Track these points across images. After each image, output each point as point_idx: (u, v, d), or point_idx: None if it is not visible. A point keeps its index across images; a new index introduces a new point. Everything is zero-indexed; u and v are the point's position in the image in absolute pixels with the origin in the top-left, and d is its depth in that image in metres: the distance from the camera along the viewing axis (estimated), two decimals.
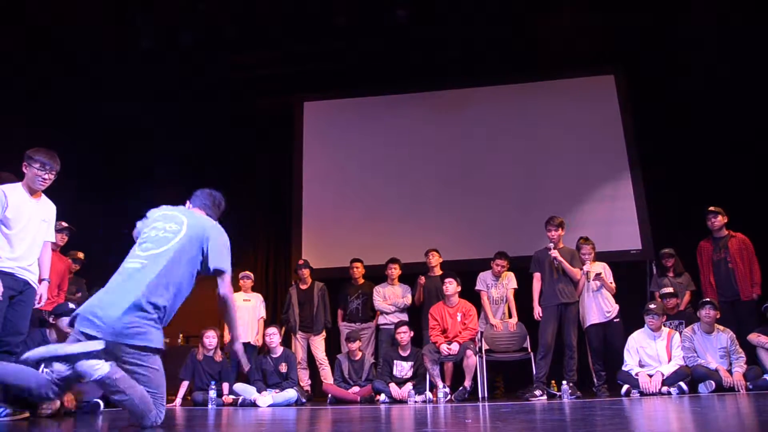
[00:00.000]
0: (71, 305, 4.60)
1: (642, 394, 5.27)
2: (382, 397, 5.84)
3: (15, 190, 3.88)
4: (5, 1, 6.73)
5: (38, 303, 4.05)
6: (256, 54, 8.46)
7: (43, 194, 4.04)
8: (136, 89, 8.75)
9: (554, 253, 5.75)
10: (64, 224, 5.61)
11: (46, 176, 3.87)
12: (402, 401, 5.71)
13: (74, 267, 6.39)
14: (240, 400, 5.83)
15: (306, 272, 7.05)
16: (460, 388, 5.73)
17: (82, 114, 8.57)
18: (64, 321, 4.46)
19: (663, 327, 5.62)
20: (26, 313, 3.89)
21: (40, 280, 4.08)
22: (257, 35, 7.97)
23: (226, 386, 6.03)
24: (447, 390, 5.64)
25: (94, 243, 7.07)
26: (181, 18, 7.56)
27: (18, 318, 3.81)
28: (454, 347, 5.86)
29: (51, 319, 4.55)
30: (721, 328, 5.56)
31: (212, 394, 5.67)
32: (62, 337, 4.48)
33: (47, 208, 4.09)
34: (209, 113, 9.13)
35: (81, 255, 6.48)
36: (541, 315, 5.82)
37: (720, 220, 6.06)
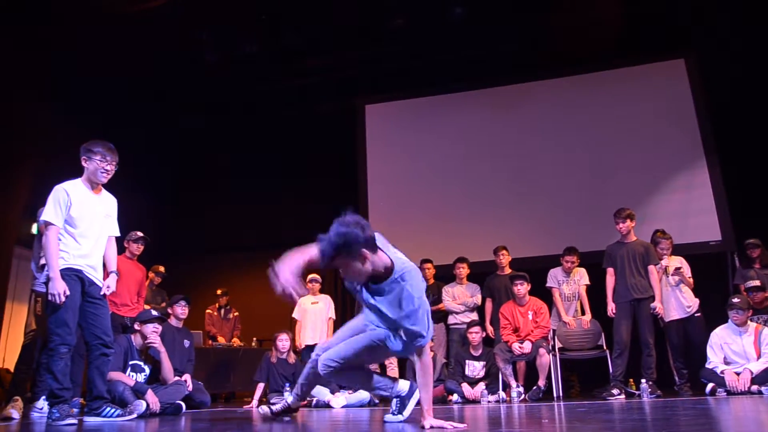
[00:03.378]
0: (154, 312, 4.82)
1: (729, 393, 5.01)
2: (455, 397, 5.81)
3: (76, 187, 3.74)
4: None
5: (107, 290, 3.81)
6: (316, 59, 8.61)
7: (103, 188, 3.89)
8: (202, 100, 9.11)
9: (658, 308, 5.55)
10: (140, 234, 5.78)
11: (108, 167, 3.75)
12: (475, 401, 5.66)
13: (156, 279, 6.73)
14: (314, 402, 5.92)
15: None
16: (534, 387, 5.63)
17: (158, 127, 8.99)
18: (149, 327, 4.68)
19: (749, 322, 5.33)
20: (103, 313, 3.76)
21: (108, 273, 3.89)
22: (316, 40, 8.10)
23: None
24: (521, 389, 5.55)
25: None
26: (243, 29, 7.80)
27: (98, 320, 3.71)
28: (527, 346, 5.76)
29: (136, 326, 4.76)
30: None
31: (287, 395, 5.78)
32: (146, 343, 4.71)
33: (109, 202, 3.95)
34: (273, 120, 9.39)
35: (162, 269, 6.84)
36: (614, 311, 5.65)
37: None
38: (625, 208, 5.83)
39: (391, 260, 2.66)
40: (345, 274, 2.61)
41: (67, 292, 3.53)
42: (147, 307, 5.79)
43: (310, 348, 6.66)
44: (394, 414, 3.11)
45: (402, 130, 8.96)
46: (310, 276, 7.16)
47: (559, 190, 7.95)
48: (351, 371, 3.09)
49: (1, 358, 7.17)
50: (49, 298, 3.50)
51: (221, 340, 7.65)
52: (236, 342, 7.67)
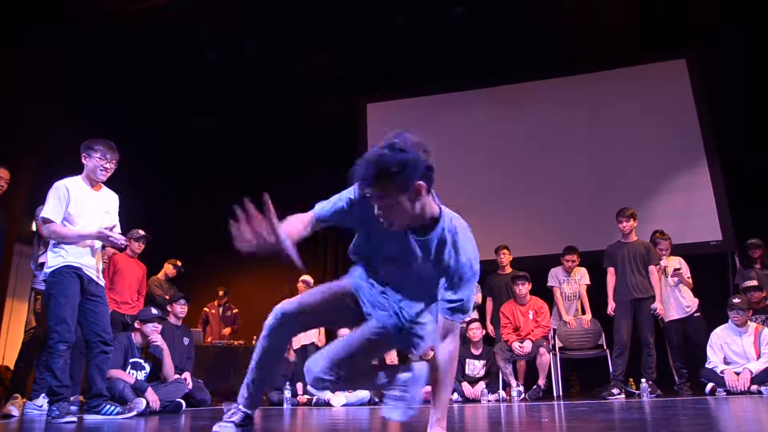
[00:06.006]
0: (154, 311, 4.81)
1: (729, 392, 5.01)
2: (455, 396, 5.81)
3: (75, 183, 3.74)
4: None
5: (118, 242, 3.74)
6: (317, 58, 8.59)
7: (103, 185, 3.88)
8: (203, 99, 9.10)
9: (659, 309, 5.55)
10: (141, 232, 5.77)
11: (108, 165, 3.75)
12: (475, 400, 5.66)
13: (171, 272, 6.57)
14: (314, 400, 5.93)
15: None
16: (534, 386, 5.63)
17: (160, 125, 8.96)
18: (149, 327, 4.68)
19: (749, 322, 5.33)
20: (103, 310, 3.76)
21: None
22: (317, 39, 8.09)
23: (300, 386, 6.15)
24: (521, 389, 5.55)
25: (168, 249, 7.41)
26: (244, 28, 7.78)
27: (98, 318, 3.71)
28: (527, 345, 5.76)
29: (136, 324, 4.76)
30: None
31: (287, 394, 5.79)
32: (146, 341, 4.71)
33: (109, 198, 3.93)
34: (274, 119, 9.37)
35: (179, 262, 6.68)
36: (614, 310, 5.65)
37: None
38: (628, 207, 5.83)
39: (438, 206, 2.07)
40: (384, 213, 1.91)
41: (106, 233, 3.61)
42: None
43: (305, 348, 6.64)
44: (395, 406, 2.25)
45: (404, 129, 8.93)
46: (302, 277, 7.15)
47: (559, 189, 7.93)
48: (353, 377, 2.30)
49: (1, 356, 7.17)
50: (117, 242, 3.65)
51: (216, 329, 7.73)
52: (227, 331, 7.70)
